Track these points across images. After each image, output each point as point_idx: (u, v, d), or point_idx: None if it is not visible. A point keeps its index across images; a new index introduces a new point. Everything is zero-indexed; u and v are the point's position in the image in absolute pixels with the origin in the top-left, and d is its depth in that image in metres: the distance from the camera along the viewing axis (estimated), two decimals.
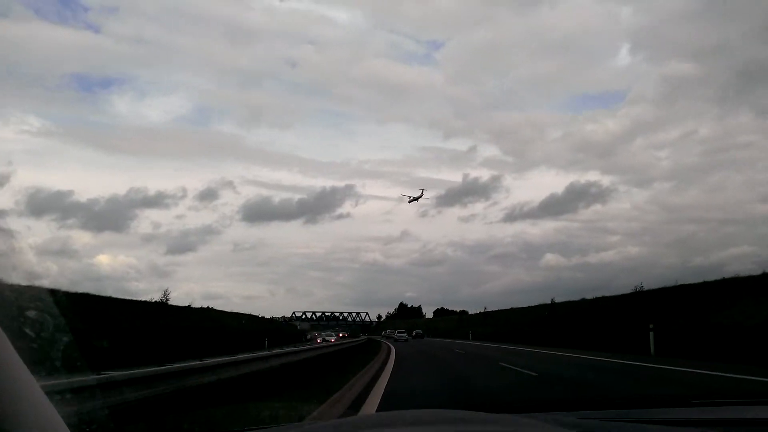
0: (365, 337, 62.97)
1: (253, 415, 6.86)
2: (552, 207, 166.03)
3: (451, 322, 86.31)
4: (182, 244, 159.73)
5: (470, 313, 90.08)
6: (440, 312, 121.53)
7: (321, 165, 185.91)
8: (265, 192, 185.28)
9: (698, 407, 2.57)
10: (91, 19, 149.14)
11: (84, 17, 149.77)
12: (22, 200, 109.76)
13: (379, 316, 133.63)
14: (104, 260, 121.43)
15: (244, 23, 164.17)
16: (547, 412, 2.51)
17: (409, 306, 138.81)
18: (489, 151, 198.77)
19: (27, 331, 1.27)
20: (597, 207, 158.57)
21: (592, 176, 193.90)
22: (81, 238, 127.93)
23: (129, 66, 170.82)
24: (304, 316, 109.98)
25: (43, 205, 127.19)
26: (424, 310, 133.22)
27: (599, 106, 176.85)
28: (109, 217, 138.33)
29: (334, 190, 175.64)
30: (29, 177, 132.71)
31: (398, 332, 59.44)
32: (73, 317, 1.54)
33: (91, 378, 4.80)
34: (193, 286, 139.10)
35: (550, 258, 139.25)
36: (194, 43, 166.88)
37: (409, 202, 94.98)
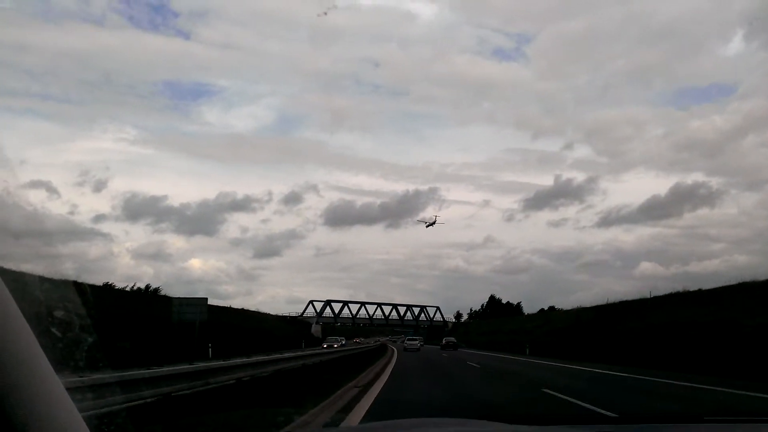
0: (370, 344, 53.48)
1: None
2: (653, 210, 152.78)
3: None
4: (268, 248, 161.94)
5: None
6: (548, 311, 69.97)
7: (402, 169, 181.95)
8: (347, 196, 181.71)
9: (711, 423, 2.58)
10: (181, 25, 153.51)
11: (174, 23, 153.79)
12: (119, 205, 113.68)
13: (458, 315, 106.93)
14: (196, 264, 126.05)
15: (327, 23, 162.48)
16: (563, 425, 2.55)
17: (504, 302, 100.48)
18: (581, 151, 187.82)
19: (53, 330, 1.29)
20: (704, 211, 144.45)
21: (697, 178, 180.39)
22: (174, 242, 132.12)
23: (217, 73, 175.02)
24: (326, 310, 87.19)
25: (139, 209, 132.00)
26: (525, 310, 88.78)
27: (705, 101, 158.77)
28: (200, 221, 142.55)
29: (417, 194, 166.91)
30: (125, 183, 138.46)
31: (408, 339, 56.42)
32: (100, 316, 1.57)
33: (114, 375, 4.88)
34: (278, 290, 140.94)
35: (647, 266, 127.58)
36: (278, 47, 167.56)
37: (426, 227, 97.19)
